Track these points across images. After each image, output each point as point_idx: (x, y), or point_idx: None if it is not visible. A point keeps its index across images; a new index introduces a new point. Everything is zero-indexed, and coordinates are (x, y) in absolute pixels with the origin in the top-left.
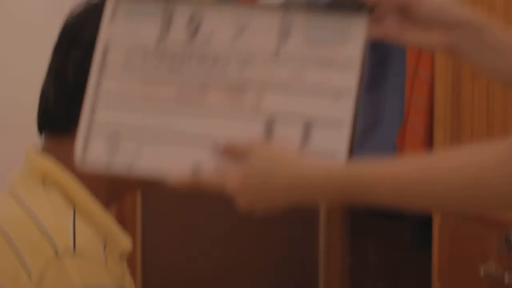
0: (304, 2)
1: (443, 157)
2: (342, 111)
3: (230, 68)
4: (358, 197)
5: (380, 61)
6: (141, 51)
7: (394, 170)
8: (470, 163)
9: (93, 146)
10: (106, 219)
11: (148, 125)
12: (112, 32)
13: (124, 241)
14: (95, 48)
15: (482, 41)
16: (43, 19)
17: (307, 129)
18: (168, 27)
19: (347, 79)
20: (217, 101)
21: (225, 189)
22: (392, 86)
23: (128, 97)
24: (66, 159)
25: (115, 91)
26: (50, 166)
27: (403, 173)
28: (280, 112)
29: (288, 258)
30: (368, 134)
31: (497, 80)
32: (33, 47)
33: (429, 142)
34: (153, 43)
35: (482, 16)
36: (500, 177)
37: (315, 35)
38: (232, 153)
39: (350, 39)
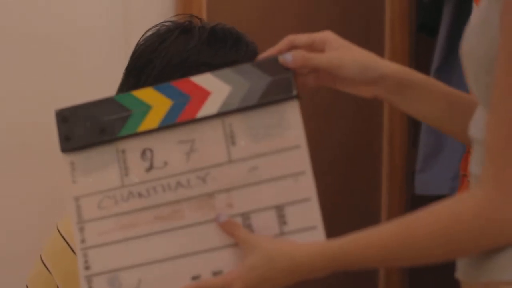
0: (236, 105)
1: (418, 217)
2: (305, 189)
3: (193, 183)
4: (349, 268)
5: None
6: (110, 194)
7: (381, 237)
8: (445, 215)
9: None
10: None
11: (139, 253)
12: (78, 189)
13: None
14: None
15: (405, 91)
16: (108, 43)
17: (280, 215)
18: (126, 167)
19: (300, 158)
20: (192, 211)
21: None
22: None
23: (112, 233)
24: None
25: (99, 233)
26: None
27: (389, 237)
28: (251, 205)
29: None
30: (430, 159)
31: (427, 122)
32: (99, 71)
33: None
34: (118, 184)
35: (402, 67)
36: (473, 226)
37: (258, 131)
38: (233, 234)
39: (290, 124)
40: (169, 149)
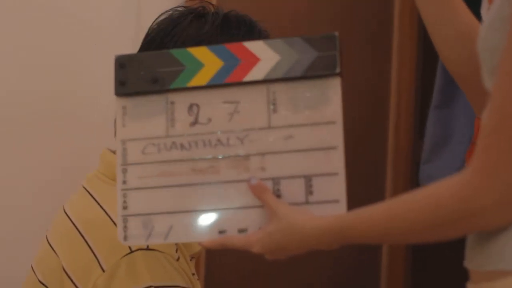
0: (282, 74)
1: (409, 196)
2: (335, 163)
3: (231, 143)
4: (352, 241)
5: (451, 79)
6: (155, 142)
7: (372, 216)
8: (428, 198)
9: (132, 229)
10: None
11: (173, 201)
12: (126, 132)
13: (195, 245)
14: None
15: None
16: (120, 23)
17: (308, 184)
18: (173, 118)
19: (334, 133)
20: (227, 169)
21: (251, 251)
22: (462, 104)
23: (151, 178)
24: None
25: (139, 177)
26: None
27: (378, 217)
28: (282, 172)
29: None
30: (437, 151)
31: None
32: (110, 50)
33: None
34: (163, 134)
35: None
36: (452, 208)
37: (299, 102)
38: (260, 196)
39: (329, 99)
40: (214, 107)
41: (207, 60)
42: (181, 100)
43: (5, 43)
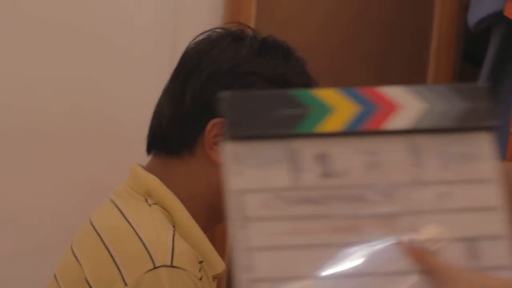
0: (429, 125)
1: None
2: (496, 225)
3: (375, 199)
4: None
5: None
6: (279, 194)
7: None
8: None
9: None
10: (204, 242)
11: (309, 264)
12: (242, 182)
13: (219, 265)
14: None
15: None
16: (156, 44)
17: (471, 248)
18: (298, 167)
19: (491, 192)
20: (372, 228)
21: None
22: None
23: (280, 236)
24: (171, 180)
25: (266, 234)
26: (156, 184)
27: None
28: (439, 233)
29: None
30: None
31: None
32: (145, 70)
33: None
34: (288, 185)
35: None
36: None
37: (448, 157)
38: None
39: (483, 155)
40: (348, 158)
41: (337, 103)
42: (307, 148)
43: (41, 64)
